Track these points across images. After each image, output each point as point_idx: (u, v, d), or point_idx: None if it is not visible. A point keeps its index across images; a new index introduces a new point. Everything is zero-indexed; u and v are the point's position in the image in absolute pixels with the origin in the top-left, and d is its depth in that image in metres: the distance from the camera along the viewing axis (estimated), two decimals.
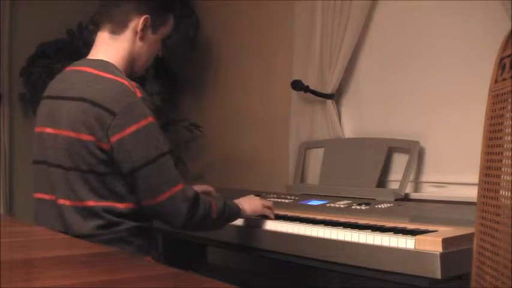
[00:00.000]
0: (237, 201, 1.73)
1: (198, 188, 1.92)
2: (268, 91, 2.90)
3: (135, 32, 1.58)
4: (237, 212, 1.69)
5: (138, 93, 1.48)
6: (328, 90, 2.43)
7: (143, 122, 1.45)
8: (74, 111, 1.47)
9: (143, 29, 1.58)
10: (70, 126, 1.47)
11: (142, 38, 1.59)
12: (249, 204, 1.76)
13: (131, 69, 1.62)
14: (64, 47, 3.06)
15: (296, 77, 2.50)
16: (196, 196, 1.51)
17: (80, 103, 1.47)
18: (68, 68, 1.62)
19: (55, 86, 1.60)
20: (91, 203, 1.46)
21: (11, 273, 0.73)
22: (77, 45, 3.07)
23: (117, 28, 1.57)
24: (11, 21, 3.18)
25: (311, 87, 2.44)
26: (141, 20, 1.57)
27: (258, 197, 1.86)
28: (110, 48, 1.58)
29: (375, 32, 2.40)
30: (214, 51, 3.28)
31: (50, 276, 0.74)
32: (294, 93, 2.55)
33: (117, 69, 1.55)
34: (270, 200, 2.16)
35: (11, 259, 0.83)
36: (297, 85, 2.45)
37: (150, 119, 1.46)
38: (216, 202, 1.59)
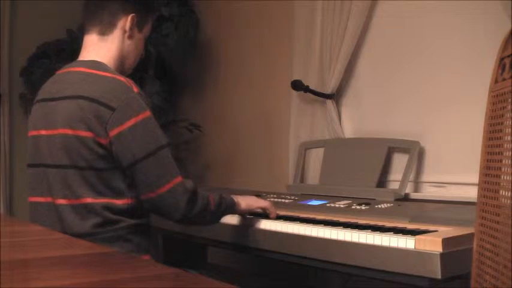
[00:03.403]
0: (232, 195, 1.74)
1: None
2: (268, 91, 2.90)
3: (124, 31, 1.63)
4: (233, 206, 1.70)
5: (135, 89, 1.50)
6: (328, 90, 2.43)
7: (141, 116, 1.47)
8: (71, 109, 1.48)
9: (131, 28, 1.63)
10: (67, 124, 1.48)
11: (130, 37, 1.64)
12: (244, 199, 1.77)
13: (122, 69, 1.65)
14: (64, 47, 3.06)
15: (296, 77, 2.49)
16: (195, 189, 1.52)
17: (76, 100, 1.48)
18: (59, 71, 1.64)
19: (47, 89, 1.62)
20: (89, 200, 1.47)
21: (11, 273, 0.73)
22: (78, 46, 3.07)
23: (106, 29, 1.61)
24: (11, 21, 3.18)
25: (311, 87, 2.44)
26: (129, 18, 1.62)
27: (253, 196, 1.86)
28: (100, 49, 1.61)
29: (375, 32, 2.40)
30: (214, 51, 3.28)
31: (50, 276, 0.74)
32: (294, 93, 2.55)
33: (110, 67, 1.57)
34: (270, 200, 2.16)
35: (11, 259, 0.83)
36: (297, 85, 2.45)
37: (148, 113, 1.49)
38: (213, 195, 1.60)
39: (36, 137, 1.57)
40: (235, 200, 1.72)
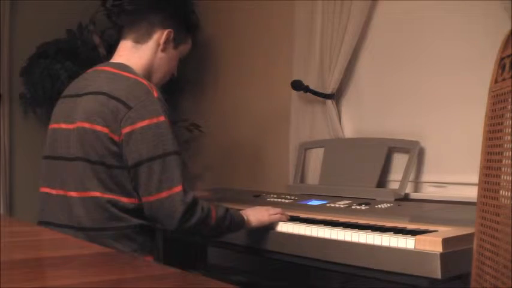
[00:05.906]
0: (243, 211, 1.73)
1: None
2: (268, 91, 2.90)
3: (158, 44, 1.67)
4: (240, 223, 1.69)
5: (155, 93, 1.53)
6: (328, 90, 2.43)
7: (155, 119, 1.49)
8: (91, 104, 1.52)
9: (166, 42, 1.68)
10: (86, 118, 1.52)
11: (163, 50, 1.69)
12: (255, 215, 1.75)
13: (148, 80, 1.66)
14: (64, 47, 3.06)
15: (296, 77, 2.50)
16: (195, 201, 1.52)
17: (97, 96, 1.52)
18: (89, 70, 1.69)
19: (74, 85, 1.67)
20: (97, 193, 1.49)
21: (11, 273, 0.73)
22: (77, 46, 3.08)
23: (142, 38, 1.67)
24: (11, 21, 3.18)
25: (311, 87, 2.44)
26: (165, 32, 1.67)
27: (265, 207, 1.83)
28: (132, 56, 1.66)
29: (375, 32, 2.40)
30: (215, 51, 3.28)
31: (50, 276, 0.74)
32: (294, 93, 2.55)
33: (135, 71, 1.61)
34: (270, 200, 2.16)
35: (11, 259, 0.83)
36: (297, 85, 2.45)
37: (162, 118, 1.51)
38: (216, 210, 1.59)
39: (55, 130, 1.61)
40: (245, 217, 1.71)
